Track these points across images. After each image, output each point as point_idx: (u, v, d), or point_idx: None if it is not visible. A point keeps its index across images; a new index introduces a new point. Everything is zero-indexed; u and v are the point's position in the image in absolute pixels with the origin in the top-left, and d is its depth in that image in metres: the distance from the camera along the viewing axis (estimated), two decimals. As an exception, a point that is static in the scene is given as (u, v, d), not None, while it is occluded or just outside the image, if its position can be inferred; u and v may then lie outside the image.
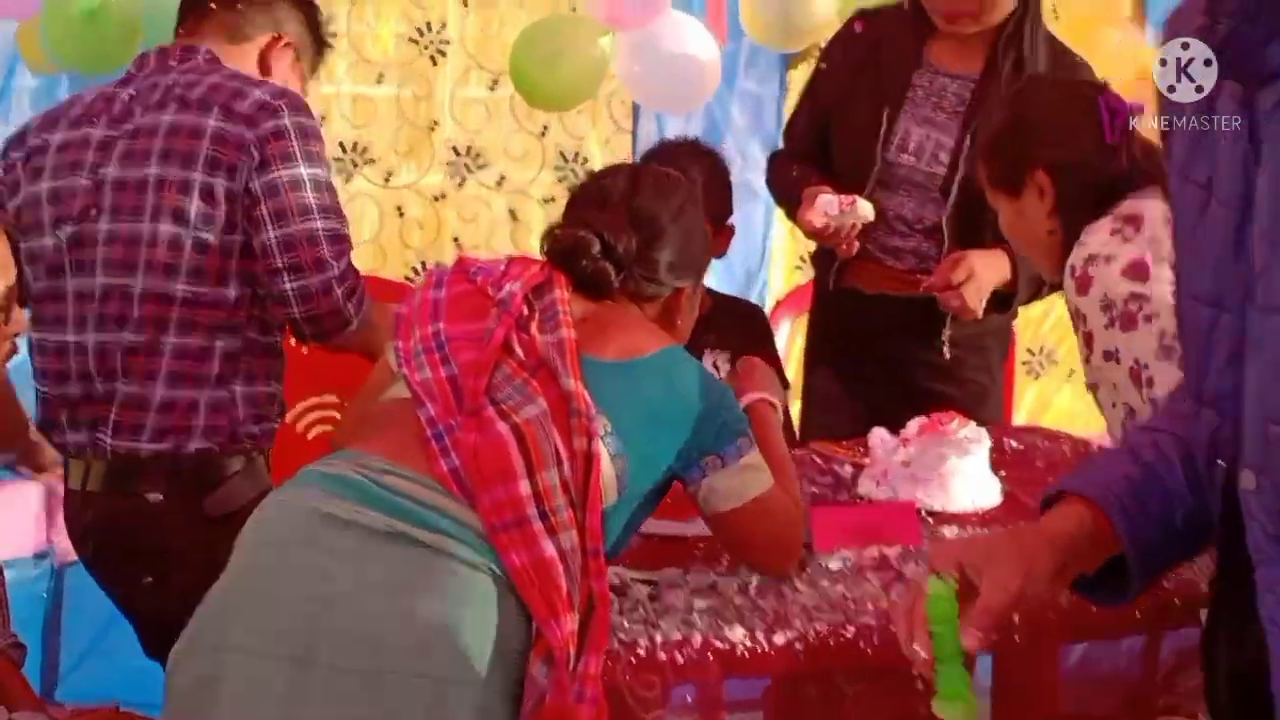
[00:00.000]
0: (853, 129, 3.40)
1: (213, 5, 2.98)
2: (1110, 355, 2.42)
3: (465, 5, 4.28)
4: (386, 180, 4.45)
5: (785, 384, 3.58)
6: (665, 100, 4.41)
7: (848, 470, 3.00)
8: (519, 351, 2.25)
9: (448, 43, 4.18)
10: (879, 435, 2.89)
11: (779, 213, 4.83)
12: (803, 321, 4.58)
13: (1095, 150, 2.52)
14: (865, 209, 3.22)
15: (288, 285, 2.70)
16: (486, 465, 2.13)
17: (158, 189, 2.71)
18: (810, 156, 3.51)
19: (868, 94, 3.39)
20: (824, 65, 3.57)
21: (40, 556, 4.02)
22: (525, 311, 2.29)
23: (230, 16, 2.98)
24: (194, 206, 2.69)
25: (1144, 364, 2.37)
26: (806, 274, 4.85)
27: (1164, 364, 2.33)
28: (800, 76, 4.61)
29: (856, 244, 3.29)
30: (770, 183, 3.62)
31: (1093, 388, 2.50)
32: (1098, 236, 2.46)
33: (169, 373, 2.71)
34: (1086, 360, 2.50)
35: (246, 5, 2.99)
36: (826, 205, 3.24)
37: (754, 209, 4.84)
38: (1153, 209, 2.45)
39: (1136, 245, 2.41)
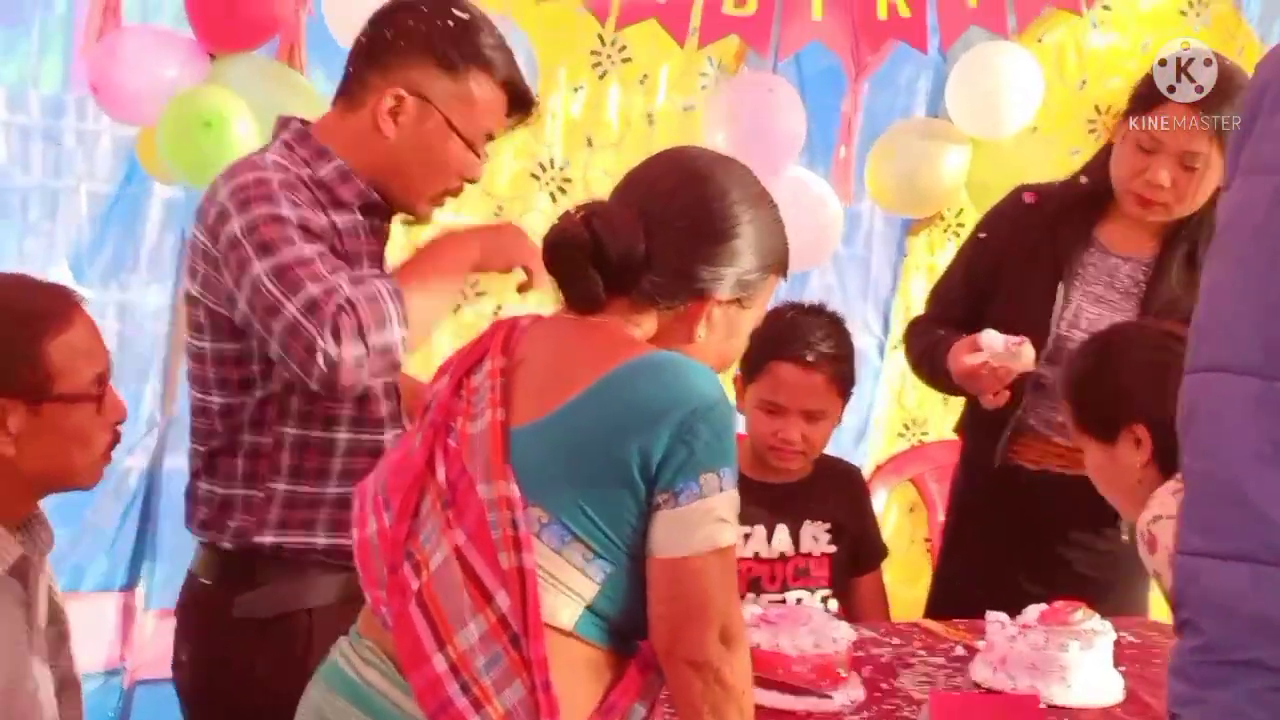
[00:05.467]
0: (1022, 302, 3.28)
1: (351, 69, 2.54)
2: None
3: (589, 145, 4.24)
4: (496, 313, 4.39)
5: (883, 550, 3.49)
6: (783, 256, 4.34)
7: (960, 653, 2.88)
8: (441, 472, 1.97)
9: (570, 180, 4.15)
10: (997, 620, 2.77)
11: (885, 378, 4.77)
12: (903, 489, 4.51)
13: None
14: (1029, 353, 3.06)
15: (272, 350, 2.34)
16: (401, 650, 1.93)
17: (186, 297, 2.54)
18: (958, 324, 3.34)
19: (1042, 267, 3.28)
20: (984, 235, 3.44)
21: (111, 673, 3.95)
22: (454, 405, 2.02)
23: (346, 82, 2.54)
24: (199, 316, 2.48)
25: None
26: (907, 441, 4.76)
27: None
28: (919, 243, 4.55)
29: (1006, 394, 3.13)
30: (909, 347, 3.47)
31: None
32: (1160, 498, 2.48)
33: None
34: None
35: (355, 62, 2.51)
36: (991, 341, 3.07)
37: (864, 373, 4.74)
38: None
39: None
